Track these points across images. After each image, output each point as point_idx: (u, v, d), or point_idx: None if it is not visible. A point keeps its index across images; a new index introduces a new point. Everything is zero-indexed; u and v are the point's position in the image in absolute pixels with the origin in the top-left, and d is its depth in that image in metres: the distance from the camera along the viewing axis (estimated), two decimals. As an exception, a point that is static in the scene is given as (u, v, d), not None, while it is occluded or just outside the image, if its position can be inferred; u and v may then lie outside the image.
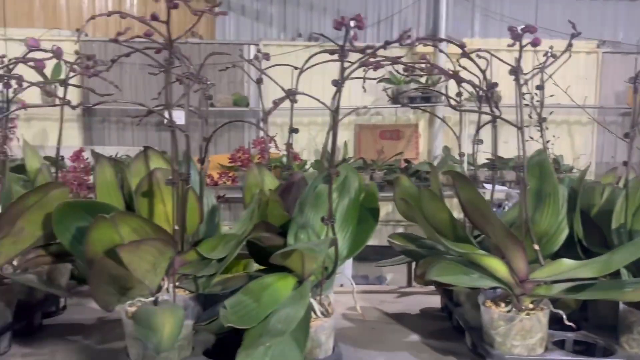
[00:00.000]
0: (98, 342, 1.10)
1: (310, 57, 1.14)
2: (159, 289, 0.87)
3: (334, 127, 0.86)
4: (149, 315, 0.80)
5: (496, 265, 0.92)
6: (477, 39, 4.93)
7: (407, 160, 4.46)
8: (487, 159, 4.67)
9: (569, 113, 4.96)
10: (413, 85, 4.42)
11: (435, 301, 1.38)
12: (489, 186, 4.43)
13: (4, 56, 1.26)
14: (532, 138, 1.35)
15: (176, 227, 0.86)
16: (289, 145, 1.25)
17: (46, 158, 1.63)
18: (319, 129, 4.80)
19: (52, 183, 1.02)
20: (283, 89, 1.23)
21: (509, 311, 0.93)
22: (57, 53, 1.04)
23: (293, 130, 1.23)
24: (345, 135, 4.79)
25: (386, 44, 0.86)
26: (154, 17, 0.83)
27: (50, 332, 1.16)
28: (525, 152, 0.99)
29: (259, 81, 1.34)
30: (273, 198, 1.00)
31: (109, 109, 4.70)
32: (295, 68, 1.29)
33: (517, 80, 0.97)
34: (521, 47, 0.97)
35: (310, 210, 0.97)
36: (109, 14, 0.99)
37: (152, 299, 0.86)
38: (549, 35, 4.92)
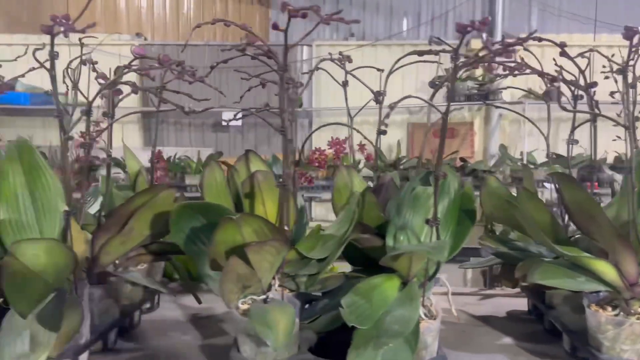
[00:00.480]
0: (197, 339, 1.14)
1: (401, 58, 1.15)
2: (269, 287, 0.90)
3: (442, 130, 0.86)
4: (265, 312, 0.82)
5: (604, 268, 0.90)
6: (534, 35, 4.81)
7: (462, 159, 4.40)
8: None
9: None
10: (470, 83, 4.36)
11: (520, 303, 1.36)
12: (548, 185, 4.32)
13: (95, 62, 1.32)
14: (619, 137, 1.32)
15: (286, 228, 0.89)
16: (377, 148, 1.26)
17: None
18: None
19: (159, 185, 1.07)
20: (372, 91, 1.24)
21: (617, 315, 0.91)
22: (164, 60, 1.09)
23: (381, 132, 1.24)
24: (397, 134, 4.77)
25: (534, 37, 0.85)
26: (275, 26, 0.86)
27: (149, 328, 1.21)
28: (633, 153, 0.97)
29: (344, 84, 1.35)
30: (370, 200, 1.02)
31: (168, 111, 4.83)
32: (378, 69, 1.30)
33: (625, 79, 0.95)
34: (631, 46, 0.95)
35: (409, 212, 0.98)
36: (214, 22, 1.02)
37: (264, 297, 0.89)
38: (609, 29, 4.76)
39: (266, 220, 0.80)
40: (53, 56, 0.90)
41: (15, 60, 1.42)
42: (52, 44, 0.87)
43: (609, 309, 0.94)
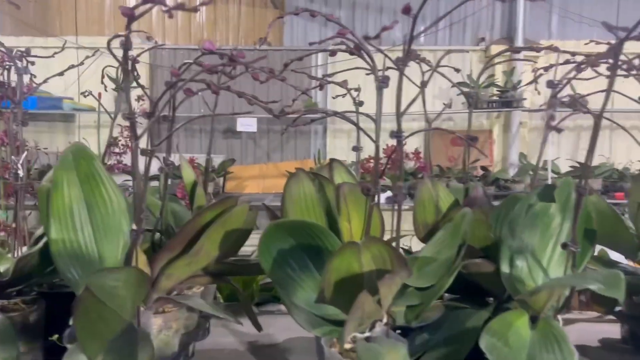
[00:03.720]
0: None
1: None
2: (374, 323, 0.76)
3: (594, 133, 0.73)
4: (378, 355, 0.69)
5: None
6: (555, 40, 4.71)
7: (484, 168, 4.28)
8: (571, 166, 4.45)
9: (627, 118, 4.67)
10: (491, 90, 4.25)
11: (610, 330, 1.23)
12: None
13: (136, 61, 1.19)
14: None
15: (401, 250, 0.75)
16: (417, 154, 1.13)
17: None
18: (384, 135, 4.65)
19: (229, 198, 0.93)
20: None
21: None
22: (240, 56, 0.95)
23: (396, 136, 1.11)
24: (415, 142, 4.65)
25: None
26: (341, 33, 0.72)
27: (206, 358, 1.07)
28: None
29: (381, 86, 1.21)
30: (478, 217, 0.88)
31: (178, 116, 4.69)
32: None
33: None
34: None
35: (527, 233, 0.85)
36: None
37: (368, 334, 0.75)
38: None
39: (386, 243, 0.66)
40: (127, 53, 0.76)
41: (53, 56, 1.29)
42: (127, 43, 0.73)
43: None
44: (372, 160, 3.60)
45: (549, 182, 4.20)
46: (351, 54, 1.04)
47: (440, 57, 1.25)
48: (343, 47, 1.05)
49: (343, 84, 1.25)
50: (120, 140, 2.37)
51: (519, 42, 4.49)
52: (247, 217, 0.92)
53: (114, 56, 0.76)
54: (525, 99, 4.29)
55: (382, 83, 0.99)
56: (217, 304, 1.19)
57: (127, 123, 0.85)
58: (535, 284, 0.82)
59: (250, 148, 4.75)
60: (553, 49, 1.12)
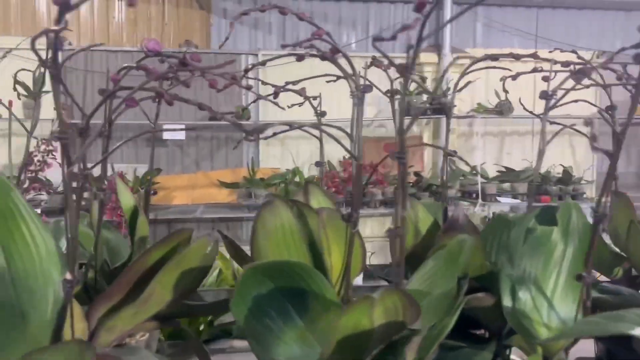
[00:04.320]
0: None
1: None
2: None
3: (616, 147, 0.65)
4: None
5: None
6: (479, 48, 4.84)
7: (417, 174, 4.30)
8: (498, 171, 4.58)
9: (567, 123, 4.91)
10: (423, 97, 4.28)
11: (580, 349, 1.18)
12: (501, 199, 4.30)
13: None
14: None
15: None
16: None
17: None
18: (299, 140, 4.58)
19: (182, 231, 0.78)
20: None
21: None
22: (195, 59, 0.80)
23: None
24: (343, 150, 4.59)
25: None
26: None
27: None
28: None
29: (362, 95, 1.11)
30: (474, 243, 0.78)
31: (94, 123, 4.36)
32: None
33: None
34: None
35: (527, 260, 0.76)
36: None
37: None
38: (548, 45, 4.88)
39: (404, 292, 0.54)
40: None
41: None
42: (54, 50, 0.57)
43: None
44: (338, 177, 3.48)
45: (479, 186, 4.29)
46: (323, 59, 0.92)
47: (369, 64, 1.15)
48: (313, 50, 0.93)
49: (302, 91, 1.12)
50: (36, 156, 2.10)
51: (447, 50, 4.57)
52: (207, 252, 0.77)
53: (40, 58, 0.59)
54: (455, 105, 4.36)
55: (363, 92, 0.87)
56: (161, 348, 1.02)
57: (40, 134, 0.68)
58: (541, 318, 0.74)
59: (177, 157, 4.49)
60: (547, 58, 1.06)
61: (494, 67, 1.04)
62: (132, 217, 0.92)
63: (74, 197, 0.64)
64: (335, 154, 4.56)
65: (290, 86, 1.07)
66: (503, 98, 4.29)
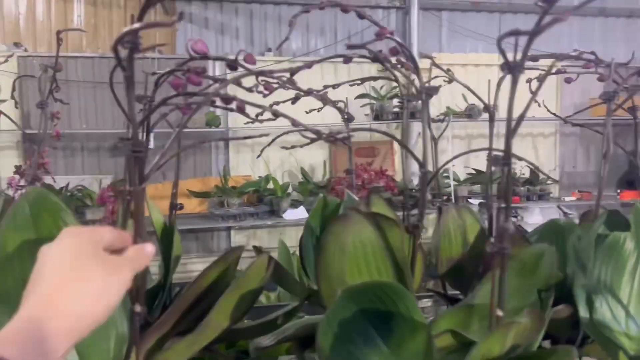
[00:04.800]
0: None
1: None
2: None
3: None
4: None
5: None
6: (445, 53, 4.91)
7: (392, 178, 4.29)
8: (469, 174, 4.64)
9: (532, 126, 5.05)
10: (395, 102, 4.29)
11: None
12: (473, 201, 4.36)
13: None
14: None
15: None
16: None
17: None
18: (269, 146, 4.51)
19: (233, 250, 0.70)
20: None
21: None
22: (249, 61, 0.73)
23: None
24: (321, 155, 4.55)
25: None
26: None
27: None
28: None
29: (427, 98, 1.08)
30: (553, 255, 0.75)
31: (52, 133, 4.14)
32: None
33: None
34: None
35: (603, 268, 0.73)
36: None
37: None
38: (510, 49, 5.00)
39: (539, 314, 0.50)
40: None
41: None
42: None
43: None
44: (341, 182, 3.40)
45: (451, 189, 4.34)
46: (374, 60, 0.87)
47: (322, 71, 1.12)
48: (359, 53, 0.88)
49: (327, 98, 1.07)
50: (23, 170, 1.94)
51: (415, 55, 4.60)
52: (262, 274, 0.70)
53: None
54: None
55: (428, 93, 0.84)
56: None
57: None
58: (621, 328, 0.71)
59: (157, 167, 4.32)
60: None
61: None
62: (164, 235, 0.84)
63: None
64: (307, 159, 4.51)
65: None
66: (470, 102, 4.36)
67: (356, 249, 0.64)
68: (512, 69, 0.53)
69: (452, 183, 4.21)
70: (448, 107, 4.51)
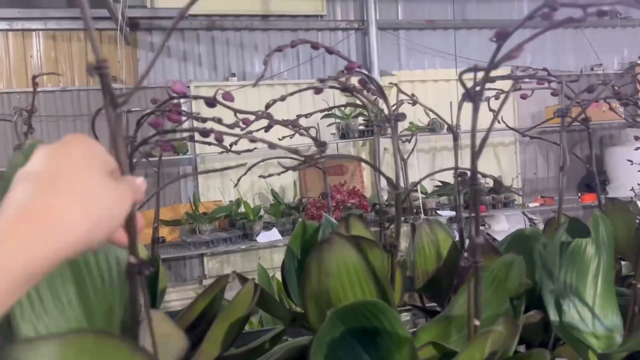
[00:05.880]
0: None
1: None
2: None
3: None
4: None
5: None
6: (405, 71, 5.04)
7: (363, 195, 4.35)
8: (436, 186, 4.74)
9: (492, 136, 5.20)
10: (360, 120, 4.36)
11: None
12: (441, 212, 4.45)
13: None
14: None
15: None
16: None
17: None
18: (260, 171, 4.53)
19: (220, 279, 0.73)
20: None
21: None
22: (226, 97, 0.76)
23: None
24: (290, 176, 4.58)
25: None
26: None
27: None
28: None
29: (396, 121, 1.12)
30: (521, 264, 0.80)
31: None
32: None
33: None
34: None
35: (568, 273, 0.78)
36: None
37: None
38: (467, 63, 5.17)
39: (513, 321, 0.54)
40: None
41: None
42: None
43: None
44: (317, 204, 3.42)
45: (420, 201, 4.43)
46: (344, 90, 0.91)
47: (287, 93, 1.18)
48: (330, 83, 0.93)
49: (299, 125, 1.11)
50: None
51: (375, 74, 4.71)
52: (248, 301, 0.73)
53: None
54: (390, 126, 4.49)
55: (397, 120, 0.88)
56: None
57: None
58: (588, 329, 0.76)
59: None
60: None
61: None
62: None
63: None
64: (277, 181, 4.53)
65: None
66: (432, 116, 4.48)
67: (340, 271, 0.67)
68: (472, 97, 0.58)
69: (420, 196, 4.30)
70: (411, 123, 4.62)
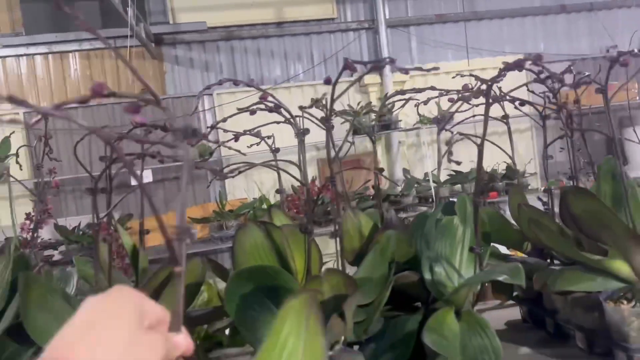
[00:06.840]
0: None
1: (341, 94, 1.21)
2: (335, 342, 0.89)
3: (479, 158, 0.92)
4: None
5: (620, 266, 1.01)
6: (417, 64, 5.22)
7: (374, 187, 4.58)
8: (448, 175, 4.92)
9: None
10: (372, 116, 4.59)
11: (509, 314, 1.46)
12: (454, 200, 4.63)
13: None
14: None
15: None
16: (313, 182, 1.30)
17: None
18: (260, 170, 4.83)
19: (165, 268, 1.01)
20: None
21: (634, 307, 1.02)
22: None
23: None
24: (309, 171, 4.85)
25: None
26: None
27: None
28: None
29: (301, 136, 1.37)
30: (400, 237, 1.05)
31: (63, 178, 4.51)
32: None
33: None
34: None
35: (439, 243, 1.03)
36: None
37: (331, 353, 0.88)
38: (479, 54, 5.30)
39: (343, 273, 0.80)
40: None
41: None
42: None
43: (625, 302, 1.04)
44: (297, 200, 3.71)
45: (432, 191, 4.62)
46: (270, 111, 1.18)
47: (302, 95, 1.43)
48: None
49: (258, 134, 1.38)
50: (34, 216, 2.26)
51: (387, 71, 4.92)
52: (199, 271, 1.01)
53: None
54: (400, 120, 4.71)
55: (302, 135, 1.13)
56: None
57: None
58: (453, 284, 1.00)
59: (145, 200, 4.66)
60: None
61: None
62: (133, 253, 1.15)
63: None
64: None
65: (248, 130, 1.33)
66: (443, 108, 4.65)
67: (251, 248, 0.94)
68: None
69: (432, 185, 4.49)
70: (422, 115, 4.81)
